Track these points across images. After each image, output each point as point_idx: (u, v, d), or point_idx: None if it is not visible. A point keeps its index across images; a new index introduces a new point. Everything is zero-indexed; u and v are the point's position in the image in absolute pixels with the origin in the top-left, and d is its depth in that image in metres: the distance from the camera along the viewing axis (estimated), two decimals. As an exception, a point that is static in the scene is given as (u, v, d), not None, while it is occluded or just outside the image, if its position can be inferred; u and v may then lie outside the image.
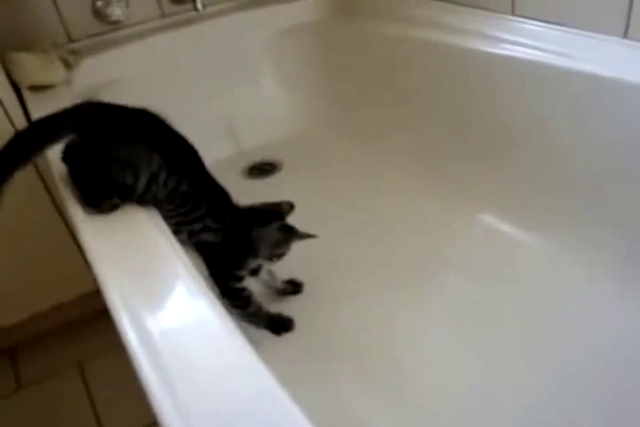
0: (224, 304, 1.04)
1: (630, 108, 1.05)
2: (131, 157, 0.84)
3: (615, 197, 1.14)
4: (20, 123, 1.18)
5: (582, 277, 1.18)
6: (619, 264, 1.14)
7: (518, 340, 1.08)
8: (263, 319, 1.12)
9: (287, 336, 1.13)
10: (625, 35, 1.08)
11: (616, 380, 0.99)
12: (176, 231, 0.93)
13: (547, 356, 1.05)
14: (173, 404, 0.54)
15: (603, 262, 1.16)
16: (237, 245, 1.02)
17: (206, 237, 0.98)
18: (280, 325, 1.13)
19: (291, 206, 1.06)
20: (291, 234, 1.05)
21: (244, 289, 1.07)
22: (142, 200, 0.87)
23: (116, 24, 1.53)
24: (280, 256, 1.06)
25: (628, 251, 1.14)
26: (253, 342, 0.62)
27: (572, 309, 1.13)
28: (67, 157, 0.87)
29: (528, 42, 1.20)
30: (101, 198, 0.85)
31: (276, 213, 1.05)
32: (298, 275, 1.25)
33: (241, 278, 1.06)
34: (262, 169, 1.66)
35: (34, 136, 0.83)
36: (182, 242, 0.96)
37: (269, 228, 1.03)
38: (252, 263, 1.06)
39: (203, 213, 0.95)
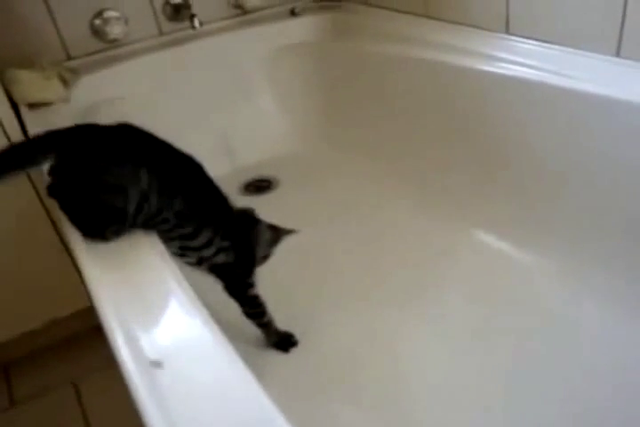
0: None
1: (623, 126, 1.06)
2: (117, 178, 0.79)
3: (611, 214, 1.14)
4: (18, 140, 1.19)
5: (578, 295, 1.18)
6: (615, 282, 1.14)
7: (515, 359, 1.08)
8: (274, 333, 1.11)
9: (283, 356, 1.12)
10: (617, 53, 1.10)
11: (618, 401, 0.98)
12: (182, 255, 0.92)
13: (543, 376, 1.04)
14: (167, 424, 0.53)
15: (598, 279, 1.16)
16: (245, 253, 1.00)
17: (220, 259, 0.96)
18: (287, 340, 1.13)
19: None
20: (278, 231, 1.04)
21: (258, 296, 1.05)
22: (135, 223, 0.82)
23: (115, 42, 1.54)
24: (267, 258, 1.05)
25: (625, 268, 1.14)
26: (249, 360, 0.62)
27: (567, 326, 1.12)
28: (53, 191, 0.83)
29: (522, 60, 1.21)
30: (100, 228, 0.81)
31: (249, 214, 1.03)
32: (293, 293, 1.25)
33: (253, 284, 1.04)
34: (258, 186, 1.66)
35: (13, 156, 0.80)
36: (190, 264, 0.96)
37: (260, 227, 1.02)
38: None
39: (210, 237, 0.91)
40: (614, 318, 1.12)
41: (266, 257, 1.05)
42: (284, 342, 1.13)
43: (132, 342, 0.63)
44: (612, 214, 1.14)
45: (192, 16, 1.57)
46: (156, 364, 0.60)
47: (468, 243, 1.36)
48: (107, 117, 1.31)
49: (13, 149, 0.83)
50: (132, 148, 0.83)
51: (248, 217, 1.03)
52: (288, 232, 1.04)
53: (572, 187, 1.20)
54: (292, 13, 1.69)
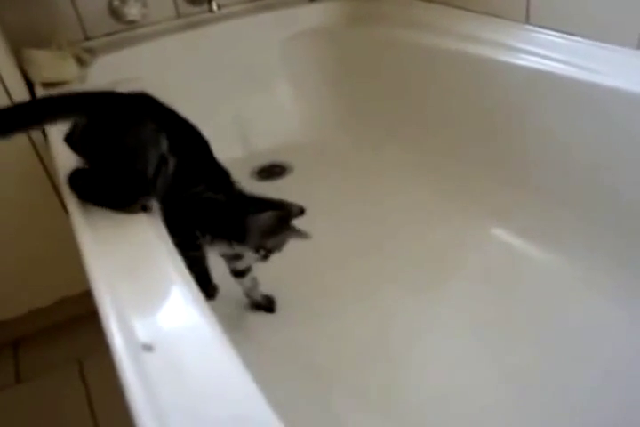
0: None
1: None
2: (139, 139, 0.82)
3: (630, 212, 1.12)
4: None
5: (593, 293, 1.16)
6: (631, 280, 1.12)
7: (527, 357, 1.06)
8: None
9: (282, 341, 1.12)
10: (639, 46, 1.07)
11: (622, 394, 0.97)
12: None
13: (550, 371, 1.03)
14: (155, 414, 0.54)
15: (614, 277, 1.14)
16: (228, 220, 0.97)
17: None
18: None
19: (301, 211, 1.01)
20: (285, 225, 1.00)
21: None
22: (155, 189, 0.84)
23: (132, 23, 1.54)
24: (267, 251, 1.01)
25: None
26: (244, 353, 0.62)
27: (578, 323, 1.11)
28: (75, 146, 0.85)
29: (542, 52, 1.19)
30: (130, 197, 0.83)
31: (279, 206, 1.00)
32: (303, 280, 1.25)
33: (199, 247, 0.99)
34: (271, 171, 1.66)
35: (47, 105, 0.82)
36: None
37: (264, 215, 0.98)
38: (237, 249, 1.01)
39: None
40: (628, 312, 1.10)
41: (267, 249, 1.02)
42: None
43: (125, 323, 0.63)
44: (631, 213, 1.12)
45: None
46: (148, 347, 0.60)
47: (485, 236, 1.34)
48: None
49: (46, 101, 0.84)
50: (152, 113, 0.87)
51: (270, 204, 1.00)
52: (298, 233, 1.01)
53: (594, 184, 1.17)
54: (311, -1, 1.67)
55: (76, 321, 1.41)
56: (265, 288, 1.19)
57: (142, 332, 0.63)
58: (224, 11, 1.59)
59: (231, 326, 1.05)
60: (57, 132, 1.08)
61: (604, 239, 1.17)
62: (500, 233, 1.33)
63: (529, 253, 1.28)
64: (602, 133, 1.11)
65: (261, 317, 1.18)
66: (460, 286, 1.22)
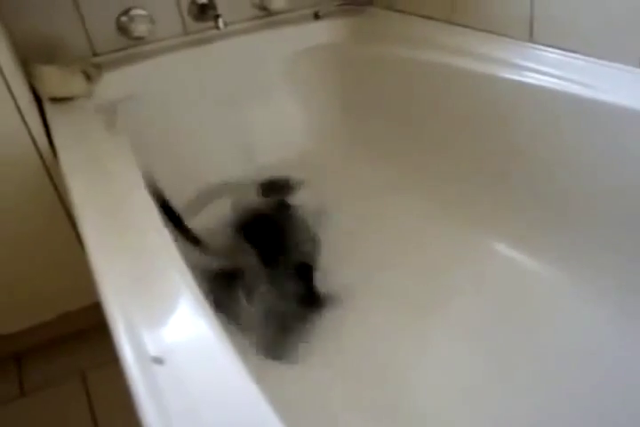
0: None
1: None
2: None
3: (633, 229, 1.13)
4: (38, 133, 1.21)
5: (595, 310, 1.16)
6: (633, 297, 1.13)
7: (529, 374, 1.06)
8: None
9: (291, 364, 1.12)
10: (641, 65, 1.08)
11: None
12: None
13: (554, 390, 1.03)
14: (163, 420, 0.54)
15: (617, 295, 1.14)
16: None
17: None
18: None
19: None
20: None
21: None
22: None
23: (140, 40, 1.56)
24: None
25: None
26: (253, 364, 0.62)
27: (586, 344, 1.11)
28: None
29: (546, 69, 1.20)
30: None
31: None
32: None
33: None
34: (278, 187, 1.66)
35: None
36: None
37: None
38: None
39: None
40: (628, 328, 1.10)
41: None
42: None
43: (134, 336, 0.64)
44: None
45: (217, 16, 1.57)
46: (158, 360, 0.61)
47: (487, 252, 1.34)
48: (128, 113, 1.35)
49: None
50: None
51: None
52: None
53: (598, 202, 1.18)
54: (316, 17, 1.69)
55: (80, 335, 1.42)
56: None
57: (152, 345, 0.64)
58: (230, 28, 1.61)
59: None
60: (66, 150, 1.10)
61: (605, 256, 1.17)
62: (501, 248, 1.34)
63: (534, 269, 1.29)
64: (605, 150, 1.12)
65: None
66: (462, 303, 1.23)
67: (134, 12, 1.52)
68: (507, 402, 1.02)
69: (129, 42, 1.56)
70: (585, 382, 1.03)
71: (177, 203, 1.38)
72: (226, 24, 1.59)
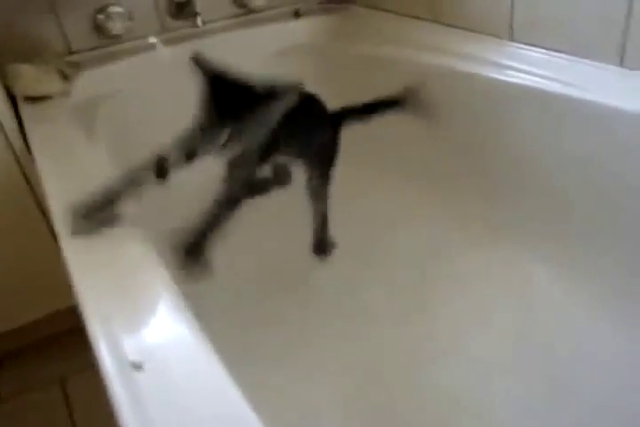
0: None
1: (628, 137, 1.05)
2: None
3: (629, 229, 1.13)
4: (13, 132, 1.18)
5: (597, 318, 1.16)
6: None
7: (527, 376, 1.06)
8: None
9: (276, 366, 1.09)
10: (621, 63, 1.09)
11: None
12: None
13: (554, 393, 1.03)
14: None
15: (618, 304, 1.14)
16: None
17: None
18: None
19: None
20: None
21: None
22: None
23: (117, 38, 1.53)
24: None
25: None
26: (236, 369, 0.61)
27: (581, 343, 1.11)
28: None
29: (527, 68, 1.21)
30: None
31: None
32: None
33: None
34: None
35: None
36: None
37: None
38: None
39: None
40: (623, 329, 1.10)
41: None
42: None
43: (113, 341, 0.62)
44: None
45: (195, 14, 1.56)
46: (137, 365, 0.59)
47: (486, 254, 1.34)
48: (106, 113, 1.33)
49: None
50: None
51: None
52: None
53: (582, 200, 1.18)
54: (296, 15, 1.68)
55: (59, 339, 1.39)
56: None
57: (131, 349, 0.62)
58: (209, 26, 1.59)
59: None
60: (42, 151, 1.07)
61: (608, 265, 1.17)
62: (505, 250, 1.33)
63: (534, 271, 1.28)
64: (588, 148, 1.13)
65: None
66: (461, 304, 1.23)
67: (111, 9, 1.49)
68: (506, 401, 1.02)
69: (106, 40, 1.53)
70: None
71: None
72: (204, 22, 1.57)
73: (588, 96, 1.09)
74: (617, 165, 1.09)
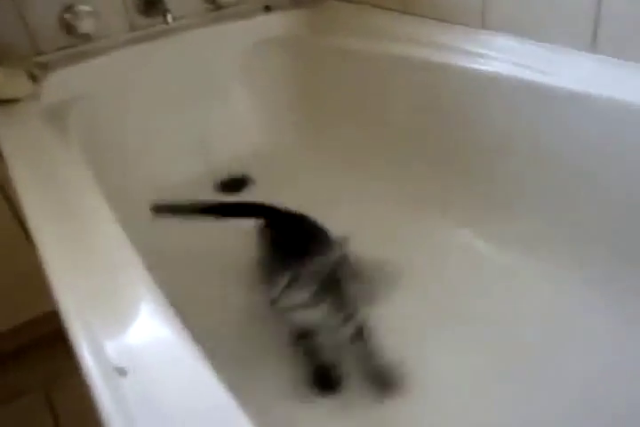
0: None
1: (598, 122, 1.06)
2: None
3: (591, 211, 1.14)
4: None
5: (561, 295, 1.17)
6: (603, 280, 1.13)
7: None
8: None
9: (262, 369, 1.09)
10: (593, 49, 1.09)
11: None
12: None
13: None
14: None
15: (580, 277, 1.16)
16: None
17: None
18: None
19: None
20: None
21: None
22: None
23: (86, 37, 1.50)
24: None
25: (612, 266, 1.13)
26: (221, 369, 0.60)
27: (554, 326, 1.12)
28: None
29: (498, 55, 1.21)
30: None
31: None
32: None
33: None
34: (234, 183, 1.64)
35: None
36: None
37: None
38: None
39: None
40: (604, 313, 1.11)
41: None
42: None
43: (96, 346, 0.61)
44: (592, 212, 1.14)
45: (165, 11, 1.54)
46: (121, 371, 0.58)
47: (451, 240, 1.35)
48: (77, 114, 1.30)
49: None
50: None
51: None
52: None
53: (551, 184, 1.20)
54: (267, 9, 1.66)
55: (42, 344, 1.37)
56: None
57: (114, 354, 0.61)
58: (179, 23, 1.57)
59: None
60: (14, 155, 1.05)
61: (576, 242, 1.18)
62: (469, 235, 1.34)
63: (497, 256, 1.29)
64: (558, 136, 1.14)
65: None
66: (433, 289, 1.22)
67: (78, 8, 1.46)
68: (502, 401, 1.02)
69: (75, 39, 1.50)
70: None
71: (134, 204, 1.33)
72: (174, 19, 1.55)
73: (559, 82, 1.09)
74: (591, 152, 1.10)
